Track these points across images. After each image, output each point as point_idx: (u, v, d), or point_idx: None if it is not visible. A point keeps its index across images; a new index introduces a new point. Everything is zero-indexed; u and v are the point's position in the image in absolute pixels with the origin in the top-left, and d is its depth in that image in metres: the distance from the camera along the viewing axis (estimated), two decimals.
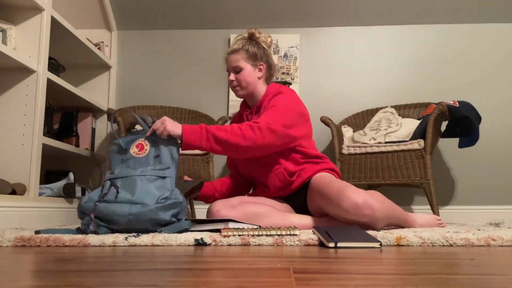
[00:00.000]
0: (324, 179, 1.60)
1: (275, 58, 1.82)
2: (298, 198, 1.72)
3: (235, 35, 2.96)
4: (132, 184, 1.34)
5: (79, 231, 1.29)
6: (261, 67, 1.74)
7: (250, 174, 1.77)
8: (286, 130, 1.57)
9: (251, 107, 1.79)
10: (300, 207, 1.71)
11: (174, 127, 1.45)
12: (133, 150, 1.44)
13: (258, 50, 1.73)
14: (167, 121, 1.45)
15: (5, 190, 1.77)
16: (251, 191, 1.89)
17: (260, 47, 1.73)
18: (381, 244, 1.07)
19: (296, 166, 1.68)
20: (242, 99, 1.86)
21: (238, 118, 1.85)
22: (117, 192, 1.31)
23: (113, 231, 1.30)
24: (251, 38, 1.75)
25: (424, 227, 1.67)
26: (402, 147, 2.28)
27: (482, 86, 2.85)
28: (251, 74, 1.72)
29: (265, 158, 1.65)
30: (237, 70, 1.71)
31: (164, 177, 1.37)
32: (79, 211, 1.33)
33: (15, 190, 1.84)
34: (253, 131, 1.51)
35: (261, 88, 1.76)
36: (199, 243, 1.14)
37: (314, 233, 1.21)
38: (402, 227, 1.60)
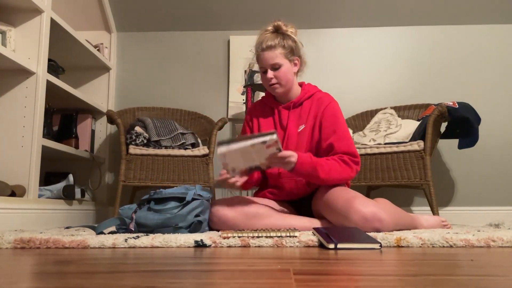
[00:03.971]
0: (333, 187, 1.57)
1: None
2: (304, 201, 1.71)
3: (235, 36, 2.98)
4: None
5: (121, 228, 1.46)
6: (297, 61, 1.68)
7: (272, 175, 1.72)
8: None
9: (283, 102, 1.73)
10: (304, 209, 1.70)
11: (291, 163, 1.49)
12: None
13: (293, 44, 1.65)
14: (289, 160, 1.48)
15: (4, 192, 1.77)
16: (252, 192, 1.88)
17: (293, 41, 1.65)
18: (381, 245, 1.07)
19: None
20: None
21: (260, 108, 1.78)
22: (149, 208, 1.48)
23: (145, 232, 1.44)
24: (279, 31, 1.65)
25: (430, 229, 1.65)
26: (401, 148, 2.28)
27: (481, 87, 2.86)
28: (290, 70, 1.65)
29: None
30: (276, 67, 1.62)
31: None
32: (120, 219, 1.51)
33: (15, 192, 1.84)
34: (350, 172, 1.56)
35: (296, 84, 1.72)
36: (199, 245, 1.14)
37: (314, 235, 1.21)
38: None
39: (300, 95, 1.70)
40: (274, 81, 1.63)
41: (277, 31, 1.65)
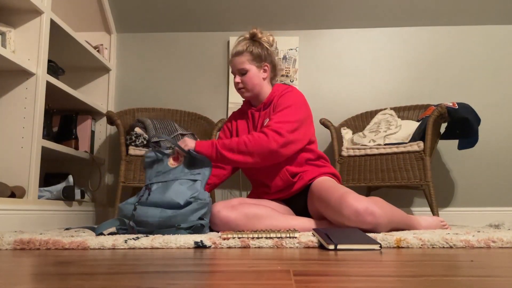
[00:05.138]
0: (325, 184, 1.59)
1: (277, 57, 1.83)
2: (299, 201, 1.71)
3: (234, 37, 2.98)
4: (166, 186, 1.48)
5: (122, 230, 1.45)
6: (266, 68, 1.75)
7: (252, 172, 1.77)
8: (292, 137, 1.60)
9: (256, 105, 1.80)
10: (301, 210, 1.71)
11: (191, 142, 1.58)
12: (170, 162, 1.60)
13: (262, 50, 1.73)
14: (187, 140, 1.59)
15: (4, 193, 1.77)
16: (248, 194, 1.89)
17: (263, 48, 1.74)
18: (381, 246, 1.07)
19: (298, 167, 1.68)
20: (243, 101, 1.87)
21: (238, 114, 1.85)
22: (149, 194, 1.46)
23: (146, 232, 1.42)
24: (253, 39, 1.75)
25: (429, 229, 1.66)
26: (401, 149, 2.28)
27: (481, 88, 2.86)
28: (257, 75, 1.73)
29: None
30: (243, 73, 1.72)
31: (195, 180, 1.51)
32: (120, 215, 1.49)
33: (15, 193, 1.84)
34: (261, 147, 1.56)
35: (267, 88, 1.77)
36: (199, 246, 1.14)
37: (314, 235, 1.21)
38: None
39: (268, 96, 1.76)
40: (240, 85, 1.74)
41: (252, 38, 1.75)
